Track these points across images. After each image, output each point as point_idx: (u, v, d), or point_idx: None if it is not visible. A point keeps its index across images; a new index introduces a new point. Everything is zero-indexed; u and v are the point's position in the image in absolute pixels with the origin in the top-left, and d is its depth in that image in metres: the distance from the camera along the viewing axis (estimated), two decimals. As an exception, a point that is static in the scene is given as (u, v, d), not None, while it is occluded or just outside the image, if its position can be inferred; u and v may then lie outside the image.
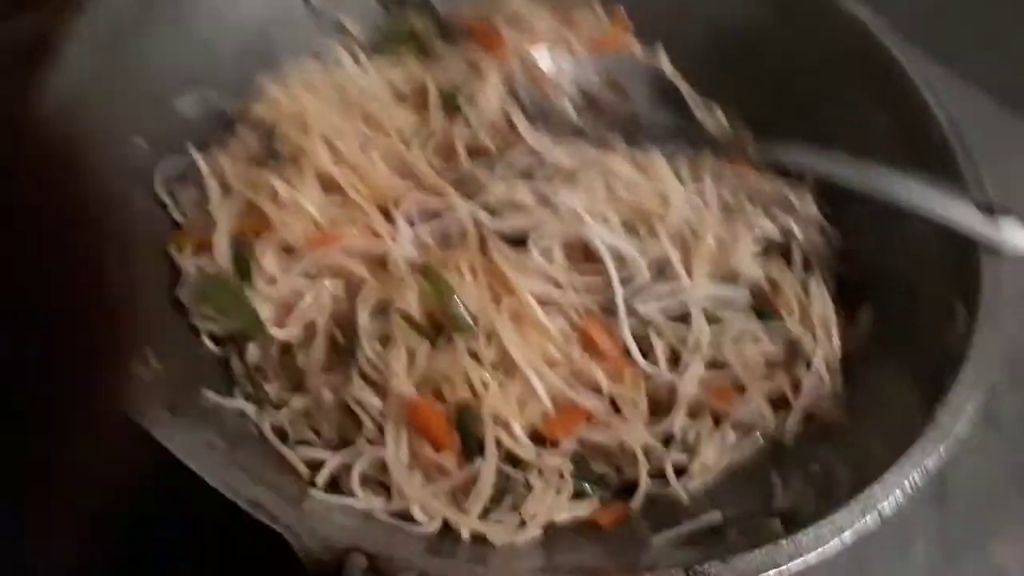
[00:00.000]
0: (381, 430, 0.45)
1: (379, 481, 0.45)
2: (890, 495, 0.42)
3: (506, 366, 0.47)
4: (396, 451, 0.44)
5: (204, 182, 0.53)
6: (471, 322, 0.47)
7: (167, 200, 0.53)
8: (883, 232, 0.55)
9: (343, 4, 0.64)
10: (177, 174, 0.54)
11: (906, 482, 0.42)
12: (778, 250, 0.56)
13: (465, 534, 0.44)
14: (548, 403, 0.47)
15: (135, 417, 0.37)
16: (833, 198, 0.59)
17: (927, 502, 0.60)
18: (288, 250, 0.51)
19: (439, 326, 0.47)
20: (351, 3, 0.65)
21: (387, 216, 0.53)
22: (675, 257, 0.52)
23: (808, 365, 0.52)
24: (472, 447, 0.45)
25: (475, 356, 0.46)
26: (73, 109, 0.47)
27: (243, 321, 0.49)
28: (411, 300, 0.48)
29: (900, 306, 0.53)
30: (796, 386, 0.52)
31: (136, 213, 0.51)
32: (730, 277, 0.54)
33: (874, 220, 0.55)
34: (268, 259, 0.50)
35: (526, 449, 0.46)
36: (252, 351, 0.49)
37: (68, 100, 0.47)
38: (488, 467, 0.44)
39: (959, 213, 0.51)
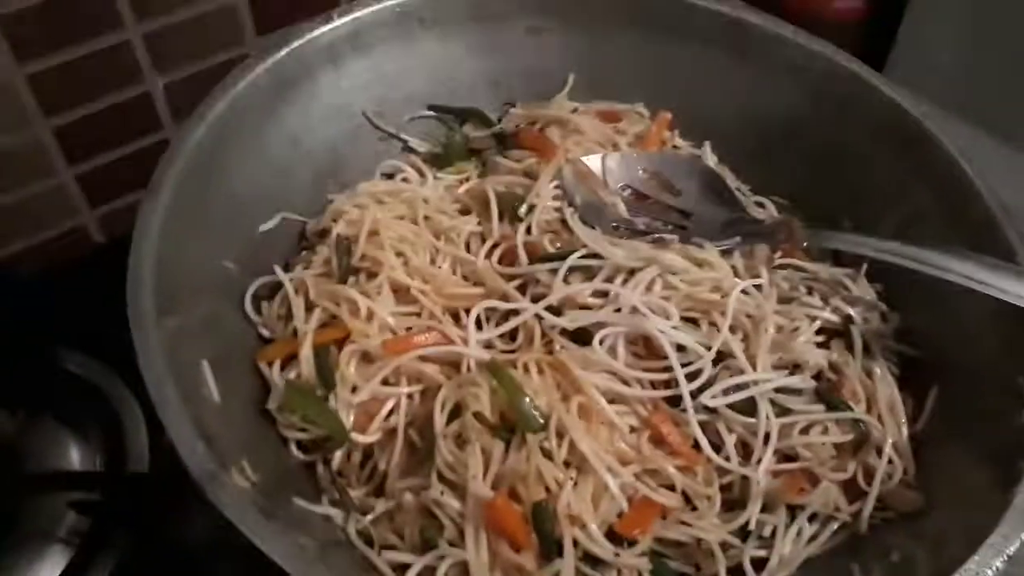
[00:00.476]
0: (461, 532, 0.47)
1: (462, 583, 0.47)
2: None
3: (578, 463, 0.49)
4: (477, 553, 0.46)
5: (288, 298, 0.57)
6: (541, 420, 0.49)
7: (255, 318, 0.57)
8: (941, 313, 0.56)
9: (406, 125, 0.70)
10: (264, 293, 0.58)
11: (989, 571, 0.42)
12: (838, 336, 0.57)
13: (549, 634, 0.45)
14: (622, 500, 0.48)
15: (236, 522, 0.40)
16: (888, 281, 0.60)
17: None
18: (367, 358, 0.54)
19: (511, 427, 0.50)
20: (414, 123, 0.70)
21: (457, 321, 0.56)
22: (738, 348, 0.54)
23: (879, 452, 0.52)
24: (550, 547, 0.46)
25: (548, 455, 0.48)
26: (171, 238, 0.51)
27: (328, 428, 0.51)
28: (484, 400, 0.50)
29: (966, 387, 0.54)
30: (868, 473, 0.52)
31: (227, 332, 0.55)
32: (793, 366, 0.55)
33: (931, 301, 0.56)
34: (350, 368, 0.53)
35: (603, 548, 0.47)
36: (337, 457, 0.52)
37: (166, 224, 0.52)
38: (567, 566, 0.45)
39: (1014, 287, 0.51)
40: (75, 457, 0.66)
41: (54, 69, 0.73)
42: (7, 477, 0.63)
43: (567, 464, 0.49)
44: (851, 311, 0.58)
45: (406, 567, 0.47)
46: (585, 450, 0.48)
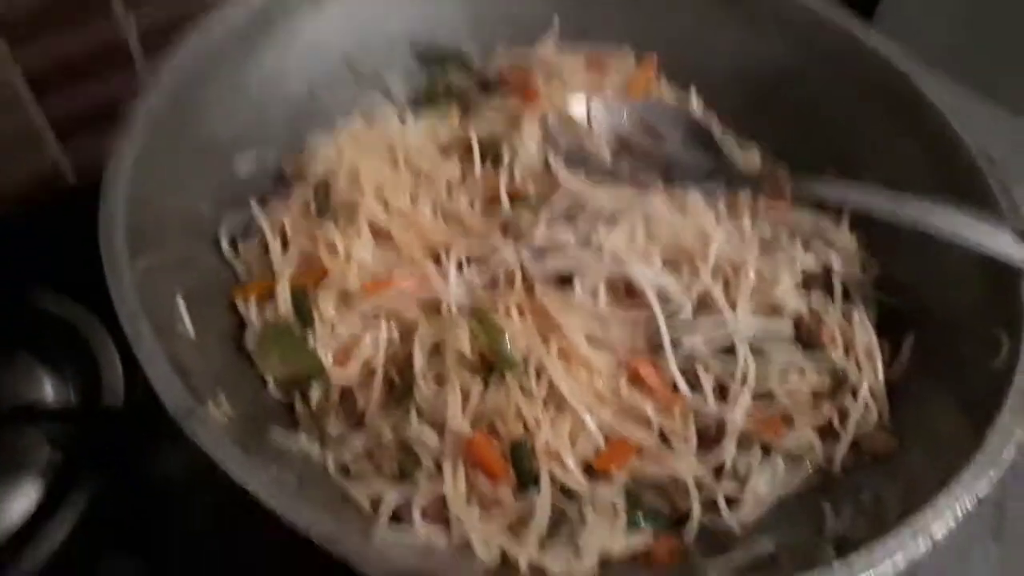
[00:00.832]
0: (439, 466, 0.47)
1: (439, 515, 0.47)
2: (941, 519, 0.42)
3: (556, 402, 0.49)
4: (454, 485, 0.46)
5: (265, 237, 0.56)
6: (521, 361, 0.49)
7: (231, 256, 0.57)
8: (922, 261, 0.57)
9: (385, 65, 0.68)
10: (239, 231, 0.57)
11: (957, 506, 0.43)
12: (818, 282, 0.58)
13: (523, 565, 0.45)
14: (599, 438, 0.49)
15: (214, 457, 0.40)
16: (870, 229, 0.60)
17: (985, 535, 0.60)
18: (345, 298, 0.54)
19: (491, 365, 0.50)
20: (393, 64, 0.69)
21: (437, 262, 0.56)
22: (718, 292, 0.54)
23: (854, 395, 0.53)
24: (527, 481, 0.46)
25: (527, 393, 0.48)
26: (144, 174, 0.51)
27: (305, 365, 0.51)
28: (463, 341, 0.50)
29: (943, 334, 0.55)
30: (843, 416, 0.53)
31: (203, 269, 0.54)
32: (773, 310, 0.55)
33: (912, 250, 0.56)
34: (327, 306, 0.53)
35: (579, 482, 0.47)
36: (314, 394, 0.52)
37: (139, 163, 0.51)
38: (543, 499, 0.46)
39: (996, 241, 0.52)
40: (49, 393, 0.65)
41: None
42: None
43: (545, 403, 0.49)
44: (832, 258, 0.58)
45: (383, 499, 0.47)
46: (563, 389, 0.48)
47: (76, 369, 0.66)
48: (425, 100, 0.68)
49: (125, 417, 0.63)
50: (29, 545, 0.55)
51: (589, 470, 0.48)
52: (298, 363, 0.51)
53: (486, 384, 0.49)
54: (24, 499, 0.58)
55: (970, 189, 0.57)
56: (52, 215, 0.77)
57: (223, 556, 0.56)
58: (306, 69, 0.65)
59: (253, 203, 0.58)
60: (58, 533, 0.56)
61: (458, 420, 0.47)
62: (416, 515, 0.46)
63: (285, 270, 0.54)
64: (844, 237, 0.60)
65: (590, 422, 0.48)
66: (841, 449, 0.52)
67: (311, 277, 0.54)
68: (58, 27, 0.74)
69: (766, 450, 0.52)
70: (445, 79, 0.69)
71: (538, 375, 0.49)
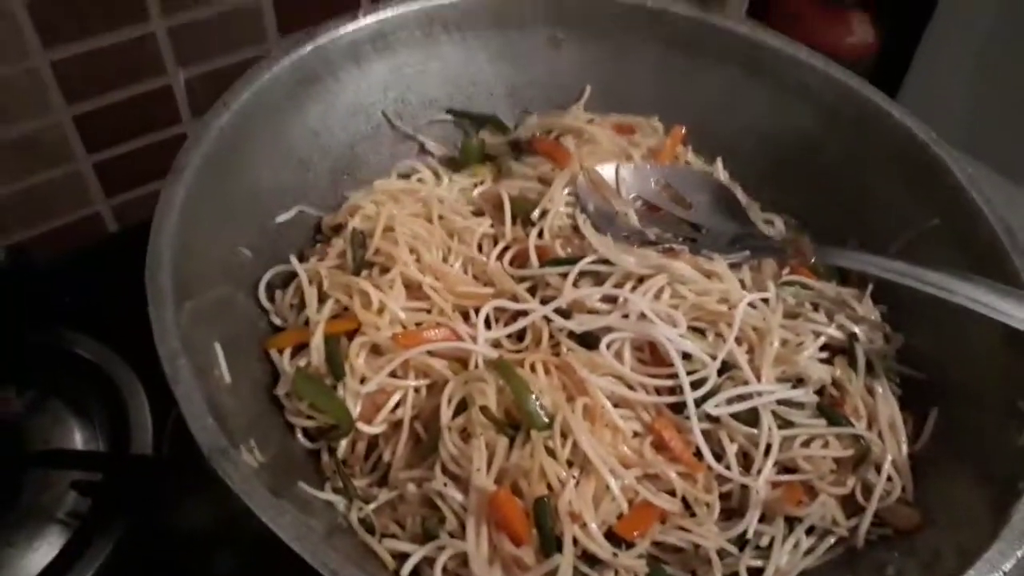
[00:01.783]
0: (462, 524, 0.47)
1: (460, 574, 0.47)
2: None
3: (581, 464, 0.49)
4: (477, 545, 0.46)
5: (302, 288, 0.57)
6: (546, 419, 0.49)
7: (268, 306, 0.58)
8: (945, 334, 0.57)
9: (424, 127, 0.71)
10: (278, 281, 0.59)
11: (983, 584, 0.42)
12: (842, 353, 0.58)
13: (544, 630, 0.45)
14: (623, 502, 0.48)
15: (245, 498, 0.40)
16: (893, 301, 0.61)
17: None
18: (376, 350, 0.55)
19: (516, 423, 0.50)
20: (432, 126, 0.71)
21: (466, 319, 0.57)
22: (743, 359, 0.54)
23: (878, 468, 0.53)
24: (549, 543, 0.46)
25: (551, 453, 0.48)
26: (190, 220, 0.52)
27: (335, 416, 0.52)
28: (490, 396, 0.50)
29: (967, 408, 0.54)
30: (866, 489, 0.52)
31: (240, 317, 0.55)
32: (796, 380, 0.55)
33: (935, 322, 0.57)
34: (359, 359, 0.54)
35: (602, 548, 0.47)
36: (342, 446, 0.52)
37: (185, 210, 0.52)
38: (566, 564, 0.45)
39: (1016, 311, 0.51)
40: (79, 439, 0.66)
41: (79, 57, 0.74)
42: (11, 454, 0.64)
43: (569, 463, 0.49)
44: (855, 329, 0.58)
45: (406, 555, 0.47)
46: (588, 451, 0.48)
47: (106, 416, 0.67)
48: (461, 160, 0.70)
49: (153, 465, 0.63)
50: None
51: (611, 535, 0.48)
52: (328, 412, 0.52)
53: (511, 442, 0.49)
54: (48, 546, 0.59)
55: (991, 261, 0.57)
56: (90, 262, 0.80)
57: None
58: (348, 126, 0.67)
59: (292, 256, 0.59)
60: None
61: (483, 476, 0.47)
62: (438, 574, 0.46)
63: (319, 320, 0.55)
64: (867, 308, 0.61)
65: (614, 485, 0.48)
66: (864, 523, 0.51)
67: (345, 329, 0.55)
68: (112, 82, 0.77)
69: (789, 523, 0.51)
70: (480, 141, 0.70)
71: (563, 435, 0.49)
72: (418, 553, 0.47)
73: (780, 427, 0.53)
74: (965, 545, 0.45)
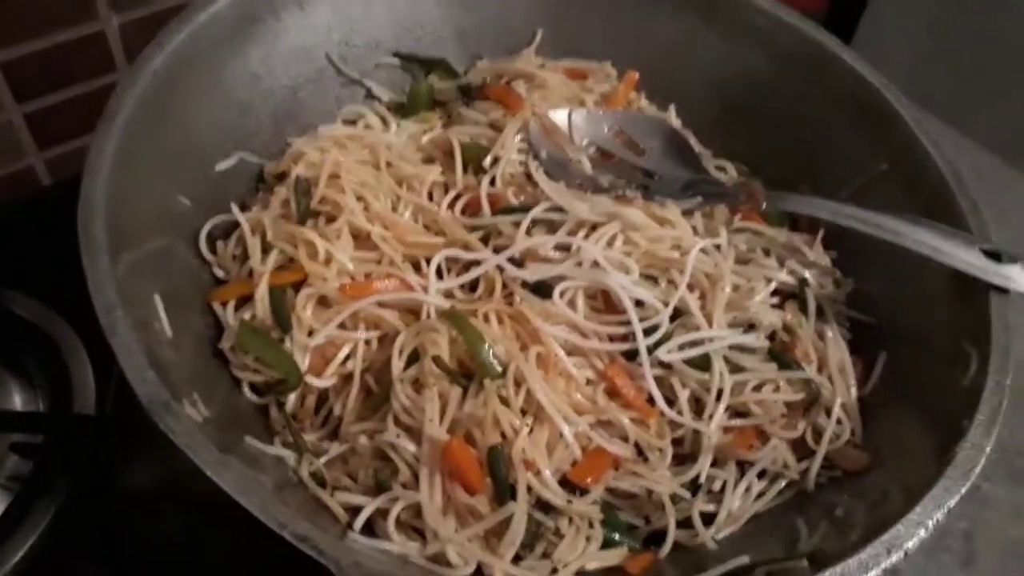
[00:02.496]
0: (415, 475, 0.46)
1: (413, 526, 0.46)
2: (915, 534, 0.42)
3: (535, 412, 0.48)
4: (430, 495, 0.45)
5: (244, 239, 0.55)
6: (499, 368, 0.48)
7: (209, 257, 0.55)
8: (894, 279, 0.57)
9: (371, 71, 0.68)
10: (219, 232, 0.56)
11: (930, 522, 0.43)
12: (793, 298, 0.58)
13: (498, 577, 0.44)
14: (576, 449, 0.48)
15: (189, 452, 0.39)
16: (843, 246, 0.61)
17: (954, 567, 0.60)
18: (323, 302, 0.53)
19: (469, 373, 0.49)
20: (378, 70, 0.68)
21: (417, 268, 0.55)
22: (694, 305, 0.54)
23: (828, 412, 0.53)
24: (504, 491, 0.45)
25: (505, 402, 0.47)
26: (125, 168, 0.49)
27: (282, 370, 0.50)
28: (443, 346, 0.49)
29: (914, 351, 0.55)
30: (817, 433, 0.52)
31: (180, 269, 0.53)
32: (748, 326, 0.55)
33: (884, 267, 0.57)
34: (306, 311, 0.52)
35: (556, 495, 0.46)
36: (290, 401, 0.50)
37: (119, 159, 0.49)
38: (520, 511, 0.45)
39: (967, 258, 0.52)
40: (18, 400, 0.63)
41: (6, 1, 0.69)
42: (-55, 416, 0.61)
43: (523, 412, 0.48)
44: (806, 274, 0.58)
45: (358, 509, 0.46)
46: (542, 398, 0.47)
47: (45, 376, 0.64)
48: (408, 106, 0.67)
49: (96, 425, 0.61)
50: (-4, 553, 0.53)
51: (565, 482, 0.47)
52: (274, 366, 0.50)
53: (464, 392, 0.48)
54: (-10, 508, 0.56)
55: (939, 205, 0.57)
56: (25, 217, 0.75)
57: (191, 567, 0.55)
58: (290, 69, 0.63)
59: (233, 205, 0.56)
60: (25, 542, 0.54)
61: (435, 426, 0.46)
62: (391, 525, 0.45)
63: (264, 272, 0.52)
64: (818, 254, 0.60)
65: (567, 432, 0.47)
66: (814, 466, 0.51)
67: (290, 280, 0.53)
68: (41, 27, 0.72)
69: (741, 467, 0.51)
70: (429, 86, 0.68)
71: (516, 384, 0.48)
72: (371, 505, 0.46)
73: (731, 372, 0.52)
74: (911, 484, 0.45)
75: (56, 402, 0.62)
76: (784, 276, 0.58)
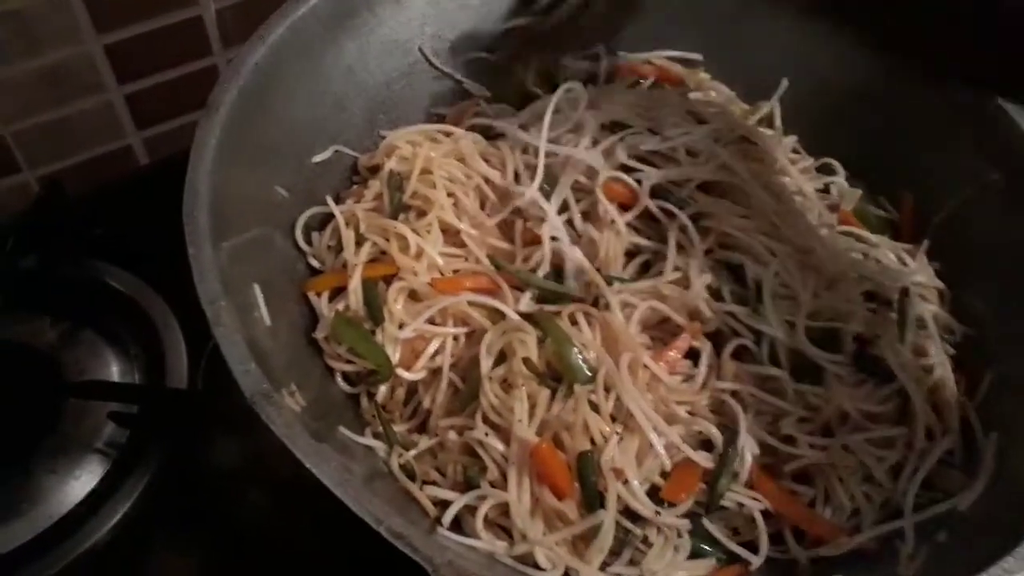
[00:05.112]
0: (503, 473, 0.45)
1: (500, 525, 0.45)
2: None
3: (624, 420, 0.47)
4: (519, 495, 0.44)
5: (339, 231, 0.54)
6: (589, 373, 0.47)
7: (305, 247, 0.55)
8: (1001, 292, 0.53)
9: (461, 65, 0.66)
10: (315, 223, 0.56)
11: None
12: (888, 306, 0.54)
13: (586, 583, 0.43)
14: (666, 460, 0.46)
15: (288, 443, 0.38)
16: (947, 257, 0.57)
17: None
18: (414, 296, 0.52)
19: (557, 376, 0.47)
20: (469, 63, 0.66)
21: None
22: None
23: (928, 432, 0.50)
24: (592, 498, 0.44)
25: (594, 407, 0.46)
26: (226, 158, 0.49)
27: (374, 361, 0.49)
28: (531, 347, 0.48)
29: (1019, 374, 0.51)
30: (911, 449, 0.50)
31: (277, 258, 0.52)
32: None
33: (990, 279, 0.53)
34: (397, 304, 0.51)
35: (645, 506, 0.45)
36: (381, 391, 0.50)
37: (222, 148, 0.49)
38: (609, 519, 0.43)
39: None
40: (115, 371, 0.64)
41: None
42: (48, 383, 0.62)
43: (612, 418, 0.47)
44: (907, 282, 0.55)
45: (446, 503, 0.45)
46: (633, 407, 0.46)
47: (141, 348, 0.65)
48: (494, 100, 0.65)
49: (189, 399, 0.62)
50: (92, 518, 0.55)
51: (652, 491, 0.46)
52: (367, 357, 0.50)
53: (553, 394, 0.47)
54: (88, 474, 0.58)
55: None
56: (123, 194, 0.76)
57: (274, 546, 0.55)
58: (384, 63, 0.63)
59: (328, 197, 0.56)
60: (120, 508, 0.55)
61: (524, 427, 0.45)
62: (479, 523, 0.44)
63: (357, 264, 0.52)
64: (921, 264, 0.57)
65: (657, 443, 0.46)
66: (913, 485, 0.48)
67: (382, 273, 0.52)
68: (143, 11, 0.73)
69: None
70: (520, 82, 0.66)
71: (606, 390, 0.47)
72: (460, 501, 0.45)
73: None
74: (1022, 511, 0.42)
75: (150, 374, 0.64)
76: (883, 279, 0.54)
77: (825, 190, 0.62)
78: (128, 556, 0.55)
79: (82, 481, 0.57)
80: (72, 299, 0.67)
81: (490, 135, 0.60)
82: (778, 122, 0.66)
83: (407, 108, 0.63)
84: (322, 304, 0.52)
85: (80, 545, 0.53)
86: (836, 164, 0.64)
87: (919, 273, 0.56)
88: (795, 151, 0.64)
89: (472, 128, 0.60)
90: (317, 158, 0.58)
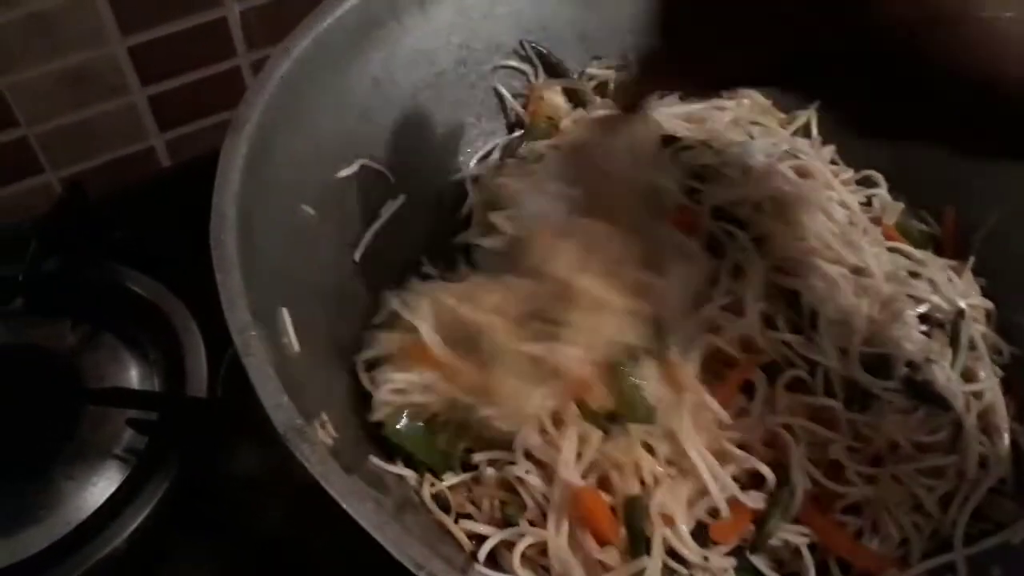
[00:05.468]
0: (543, 513, 0.43)
1: (539, 563, 0.43)
2: None
3: (678, 461, 0.44)
4: (557, 535, 0.42)
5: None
6: (650, 413, 0.44)
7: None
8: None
9: (488, 74, 0.64)
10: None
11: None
12: (940, 328, 0.52)
13: (628, 626, 0.41)
14: (722, 504, 0.44)
15: (322, 481, 0.36)
16: (993, 273, 0.55)
17: None
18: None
19: (611, 416, 0.45)
20: (496, 72, 0.64)
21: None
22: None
23: (982, 462, 0.48)
24: (638, 544, 0.42)
25: (649, 449, 0.44)
26: (253, 176, 0.47)
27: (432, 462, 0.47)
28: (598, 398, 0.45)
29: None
30: (962, 477, 0.47)
31: (302, 280, 0.50)
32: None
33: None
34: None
35: (693, 552, 0.42)
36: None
37: (249, 170, 0.47)
38: (654, 566, 0.41)
39: None
40: (134, 376, 0.63)
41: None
42: (68, 388, 0.61)
43: (668, 462, 0.44)
44: (963, 304, 0.52)
45: (481, 537, 0.43)
46: (692, 453, 0.43)
47: (161, 354, 0.63)
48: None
49: (208, 408, 0.60)
50: (110, 525, 0.53)
51: (700, 528, 0.44)
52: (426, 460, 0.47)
53: (606, 434, 0.44)
54: (106, 481, 0.56)
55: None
56: (145, 197, 0.75)
57: (295, 554, 0.54)
58: (410, 74, 0.60)
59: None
60: (138, 516, 0.54)
61: (571, 468, 0.43)
62: (516, 559, 0.42)
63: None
64: (967, 281, 0.54)
65: (715, 490, 0.43)
66: (964, 513, 0.46)
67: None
68: (167, 13, 0.71)
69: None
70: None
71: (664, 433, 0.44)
72: (496, 536, 0.43)
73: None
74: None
75: (170, 380, 0.62)
76: (937, 300, 0.51)
77: (867, 203, 0.59)
78: (146, 564, 0.54)
79: (100, 488, 0.56)
80: (93, 303, 0.65)
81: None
82: (815, 132, 0.63)
83: (435, 120, 0.61)
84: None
85: (98, 552, 0.52)
86: (878, 175, 0.60)
87: (970, 292, 0.54)
88: (833, 162, 0.60)
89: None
90: (343, 173, 0.55)
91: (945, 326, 0.51)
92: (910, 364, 0.49)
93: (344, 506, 0.36)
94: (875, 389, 0.48)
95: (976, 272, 0.55)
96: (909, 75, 0.31)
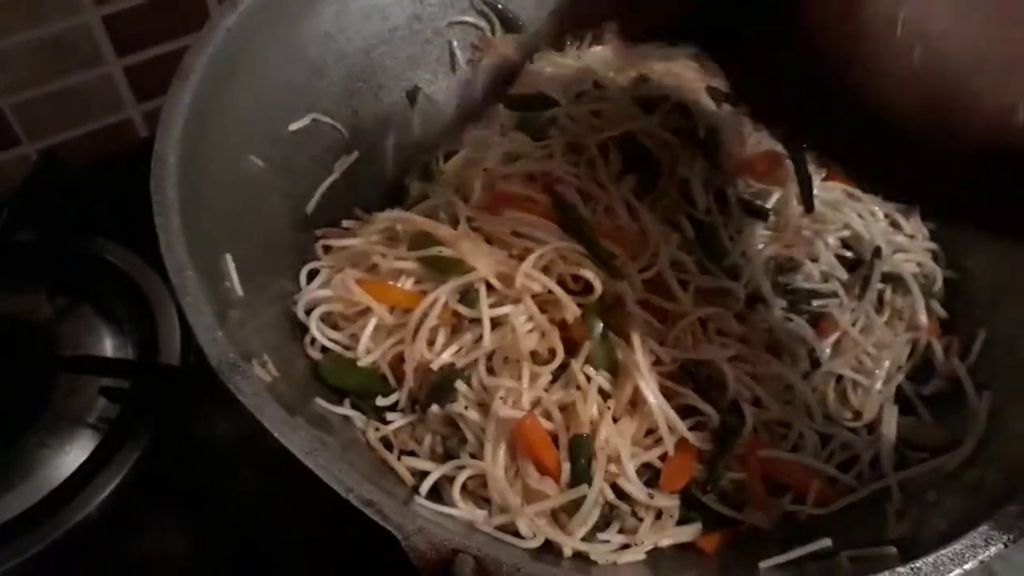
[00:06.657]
0: (483, 445, 0.41)
1: (480, 495, 0.41)
2: (1016, 525, 0.35)
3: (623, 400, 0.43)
4: (494, 465, 0.40)
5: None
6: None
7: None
8: (995, 256, 0.49)
9: (444, 29, 0.61)
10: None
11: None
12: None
13: (568, 552, 0.39)
14: (670, 445, 0.42)
15: (255, 413, 0.35)
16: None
17: None
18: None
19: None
20: (452, 27, 0.62)
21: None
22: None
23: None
24: (582, 479, 0.40)
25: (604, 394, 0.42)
26: (199, 125, 0.45)
27: (366, 390, 0.46)
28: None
29: (1017, 330, 0.47)
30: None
31: (253, 228, 0.49)
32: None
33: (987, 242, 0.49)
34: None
35: (639, 490, 0.41)
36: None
37: (195, 116, 0.45)
38: (592, 498, 0.40)
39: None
40: (108, 346, 0.61)
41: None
42: (42, 357, 0.59)
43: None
44: (880, 242, 0.50)
45: (423, 474, 0.42)
46: (649, 397, 0.42)
47: (135, 324, 0.61)
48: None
49: (180, 376, 0.58)
50: (82, 492, 0.52)
51: (644, 468, 0.42)
52: (357, 391, 0.46)
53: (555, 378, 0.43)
54: (79, 449, 0.54)
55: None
56: (122, 168, 0.73)
57: (267, 520, 0.52)
58: (363, 29, 0.57)
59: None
60: (110, 483, 0.52)
61: (504, 406, 0.41)
62: (456, 492, 0.40)
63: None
64: (915, 225, 0.53)
65: (668, 441, 0.41)
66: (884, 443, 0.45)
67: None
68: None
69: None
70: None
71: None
72: (437, 471, 0.41)
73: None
74: (1012, 471, 0.38)
75: (144, 350, 0.60)
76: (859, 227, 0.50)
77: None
78: (119, 530, 0.52)
79: (73, 455, 0.54)
80: (69, 273, 0.63)
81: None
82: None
83: (388, 75, 0.58)
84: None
85: (71, 519, 0.50)
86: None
87: (917, 234, 0.52)
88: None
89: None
90: (294, 126, 0.53)
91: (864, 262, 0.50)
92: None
93: (274, 434, 0.35)
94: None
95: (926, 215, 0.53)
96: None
